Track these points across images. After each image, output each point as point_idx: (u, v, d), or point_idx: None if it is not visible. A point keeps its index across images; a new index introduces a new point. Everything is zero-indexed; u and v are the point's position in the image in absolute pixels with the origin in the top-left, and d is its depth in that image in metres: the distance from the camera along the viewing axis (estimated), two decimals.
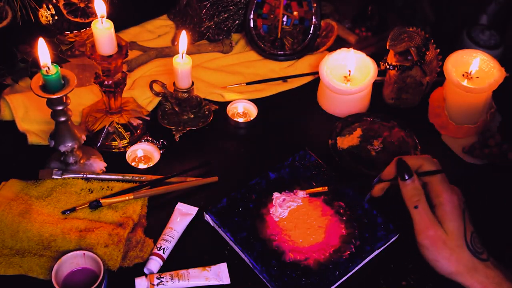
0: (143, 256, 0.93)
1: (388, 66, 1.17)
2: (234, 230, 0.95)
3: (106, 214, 0.96)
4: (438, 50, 1.18)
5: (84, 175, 1.02)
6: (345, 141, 1.11)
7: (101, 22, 0.96)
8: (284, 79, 1.27)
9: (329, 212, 0.99)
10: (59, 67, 0.90)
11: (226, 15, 1.31)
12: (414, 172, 0.81)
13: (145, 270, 0.91)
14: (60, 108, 0.94)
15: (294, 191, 1.00)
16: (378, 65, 1.18)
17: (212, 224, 0.98)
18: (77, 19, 1.14)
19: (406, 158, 0.83)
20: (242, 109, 1.19)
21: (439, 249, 0.78)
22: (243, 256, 0.94)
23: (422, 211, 0.79)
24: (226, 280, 0.91)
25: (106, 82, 1.04)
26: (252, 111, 1.18)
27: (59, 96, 0.91)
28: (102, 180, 1.03)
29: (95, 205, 0.96)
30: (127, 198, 0.98)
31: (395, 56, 1.18)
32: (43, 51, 0.88)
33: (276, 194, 1.01)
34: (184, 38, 1.06)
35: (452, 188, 0.82)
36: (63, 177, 1.01)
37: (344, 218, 0.98)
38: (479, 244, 0.80)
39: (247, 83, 1.24)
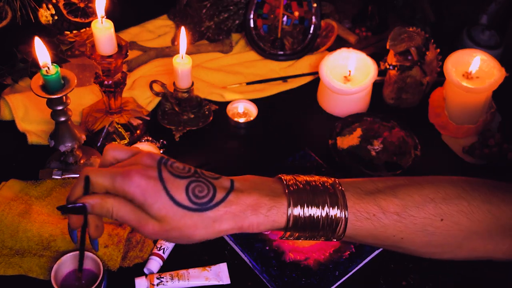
0: (143, 256, 0.93)
1: (388, 66, 1.17)
2: None
3: None
4: (438, 50, 1.18)
5: None
6: (345, 141, 1.11)
7: (101, 22, 0.96)
8: (284, 79, 1.27)
9: None
10: (59, 67, 0.90)
11: (226, 15, 1.31)
12: (82, 198, 0.66)
13: (145, 270, 0.91)
14: (60, 108, 0.94)
15: None
16: (378, 65, 1.18)
17: None
18: (77, 19, 1.14)
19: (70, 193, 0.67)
20: (242, 109, 1.19)
21: (170, 237, 0.65)
22: (243, 256, 0.94)
23: (125, 217, 0.65)
24: (226, 280, 0.91)
25: (106, 82, 1.04)
26: (252, 111, 1.18)
27: (59, 96, 0.91)
28: None
29: None
30: None
31: (395, 56, 1.18)
32: (40, 50, 0.88)
33: None
34: (183, 35, 1.06)
35: (125, 175, 0.64)
36: (63, 177, 1.01)
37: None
38: (202, 192, 0.65)
39: (247, 83, 1.24)
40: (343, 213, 0.67)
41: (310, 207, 0.67)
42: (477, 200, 0.69)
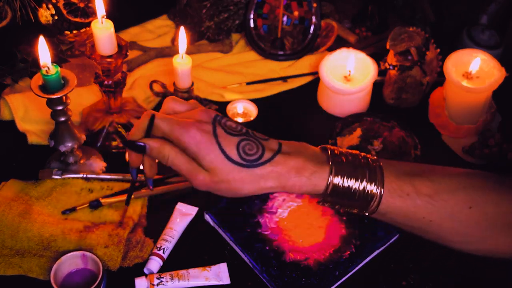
0: (143, 256, 0.93)
1: (388, 66, 1.17)
2: (234, 230, 0.95)
3: (106, 213, 0.96)
4: (438, 50, 1.18)
5: (84, 175, 1.02)
6: (345, 141, 1.11)
7: (101, 22, 0.96)
8: (284, 79, 1.27)
9: (329, 212, 0.99)
10: (59, 67, 0.90)
11: (226, 15, 1.31)
12: (144, 139, 0.72)
13: (145, 270, 0.91)
14: (60, 108, 0.94)
15: None
16: (378, 65, 1.18)
17: (212, 224, 0.98)
18: (77, 19, 1.14)
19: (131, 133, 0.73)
20: (242, 109, 1.19)
21: (218, 189, 0.72)
22: (243, 256, 0.94)
23: (179, 165, 0.71)
24: (226, 280, 0.91)
25: (106, 82, 1.04)
26: (252, 111, 1.18)
27: (59, 96, 0.91)
28: (102, 180, 1.03)
29: (95, 204, 0.97)
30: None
31: (395, 56, 1.18)
32: (43, 50, 0.88)
33: (276, 194, 1.01)
34: (183, 34, 1.06)
35: (184, 125, 0.70)
36: (63, 177, 1.01)
37: (344, 218, 0.98)
38: (252, 150, 0.71)
39: (247, 83, 1.24)
40: (379, 189, 0.71)
41: (349, 179, 0.71)
42: (506, 194, 0.72)
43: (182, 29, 1.07)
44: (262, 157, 0.71)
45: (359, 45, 1.34)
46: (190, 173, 0.71)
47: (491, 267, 0.96)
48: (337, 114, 1.20)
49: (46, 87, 0.90)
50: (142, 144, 0.71)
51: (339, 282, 0.91)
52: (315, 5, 1.29)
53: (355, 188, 0.72)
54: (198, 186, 0.72)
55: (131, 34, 1.35)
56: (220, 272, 0.92)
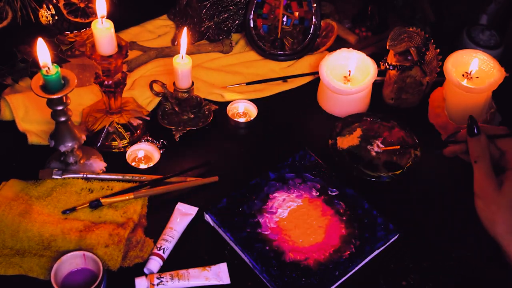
0: (143, 256, 0.93)
1: (388, 66, 1.17)
2: (234, 230, 0.95)
3: (106, 213, 0.96)
4: (438, 50, 1.18)
5: (84, 175, 1.02)
6: (345, 141, 1.11)
7: (101, 22, 0.96)
8: (284, 79, 1.27)
9: (329, 212, 0.99)
10: (59, 67, 0.90)
11: (226, 15, 1.31)
12: (482, 133, 0.83)
13: (145, 270, 0.91)
14: (60, 108, 0.94)
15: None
16: (378, 65, 1.18)
17: (212, 224, 0.98)
18: (77, 19, 1.14)
19: (482, 125, 0.86)
20: (242, 109, 1.19)
21: (488, 201, 0.80)
22: (243, 256, 0.94)
23: (481, 166, 0.81)
24: (226, 280, 0.91)
25: (106, 82, 1.04)
26: (252, 111, 1.18)
27: (59, 96, 0.91)
28: (102, 180, 1.03)
29: (95, 204, 0.97)
30: (127, 197, 0.98)
31: (395, 56, 1.18)
32: (42, 51, 0.88)
33: (276, 194, 1.01)
34: (185, 36, 1.06)
35: None
36: (63, 177, 1.01)
37: (344, 218, 0.98)
38: None
39: (247, 83, 1.25)
40: None
41: None
42: None
43: (185, 30, 1.07)
44: None
45: (359, 45, 1.34)
46: (486, 174, 0.80)
47: (491, 267, 0.96)
48: (337, 114, 1.20)
49: (46, 87, 0.90)
50: (477, 131, 0.82)
51: (339, 282, 0.91)
52: (315, 5, 1.29)
53: None
54: (479, 185, 0.80)
55: (131, 34, 1.35)
56: (220, 272, 0.92)
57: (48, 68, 0.89)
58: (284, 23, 1.32)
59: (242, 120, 1.17)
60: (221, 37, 1.33)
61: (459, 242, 0.99)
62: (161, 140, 1.12)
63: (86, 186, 1.01)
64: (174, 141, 1.12)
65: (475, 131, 0.83)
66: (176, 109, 1.14)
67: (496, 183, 0.80)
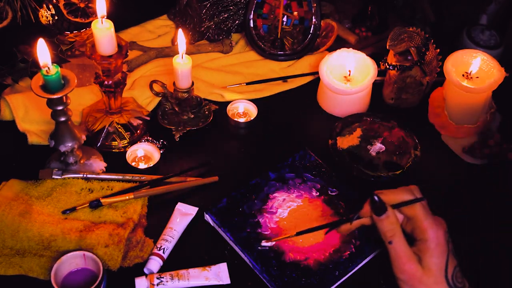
0: (143, 256, 0.93)
1: (388, 66, 1.17)
2: (234, 230, 0.95)
3: (106, 213, 0.96)
4: (438, 50, 1.18)
5: (84, 175, 1.02)
6: (345, 141, 1.11)
7: (101, 22, 0.96)
8: (284, 79, 1.27)
9: (329, 212, 0.99)
10: (59, 67, 0.90)
11: (226, 15, 1.31)
12: (388, 207, 0.78)
13: (145, 270, 0.91)
14: (60, 108, 0.94)
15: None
16: (378, 65, 1.18)
17: (212, 224, 0.98)
18: (77, 19, 1.14)
19: (384, 194, 0.80)
20: (242, 109, 1.19)
21: (415, 284, 0.76)
22: (243, 256, 0.94)
23: (397, 246, 0.77)
24: (226, 280, 0.91)
25: (106, 82, 1.04)
26: (252, 111, 1.18)
27: (59, 96, 0.91)
28: (102, 180, 1.03)
29: (95, 204, 0.97)
30: (127, 197, 0.98)
31: (395, 56, 1.18)
32: (42, 51, 0.88)
33: (276, 194, 1.01)
34: (181, 37, 1.06)
35: (436, 222, 0.78)
36: (63, 177, 1.01)
37: (344, 218, 0.98)
38: (460, 279, 0.78)
39: (247, 83, 1.25)
40: None
41: None
42: None
43: (180, 31, 1.07)
44: None
45: (359, 45, 1.34)
46: (404, 256, 0.76)
47: (491, 267, 0.96)
48: (337, 114, 1.20)
49: (46, 87, 0.90)
50: (385, 206, 0.77)
51: (339, 282, 0.91)
52: (315, 5, 1.29)
53: None
54: (402, 270, 0.76)
55: (131, 34, 1.35)
56: (220, 272, 0.92)
57: (48, 68, 0.89)
58: (284, 23, 1.32)
59: (242, 120, 1.17)
60: (221, 37, 1.33)
61: (459, 242, 0.99)
62: (161, 140, 1.12)
63: (86, 186, 1.01)
64: (174, 141, 1.12)
65: (382, 209, 0.77)
66: (176, 109, 1.14)
67: (417, 261, 0.76)
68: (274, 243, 0.93)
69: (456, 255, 0.78)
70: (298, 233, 0.90)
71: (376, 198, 0.78)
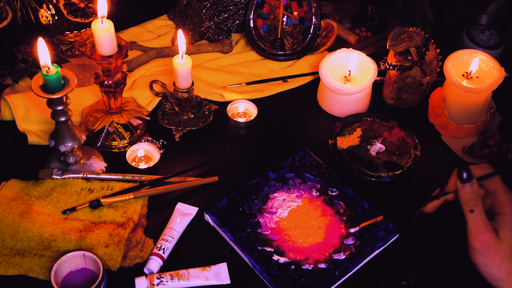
0: (143, 256, 0.93)
1: (388, 66, 1.17)
2: (234, 230, 0.95)
3: (106, 213, 0.96)
4: (438, 50, 1.18)
5: (84, 175, 1.02)
6: (345, 141, 1.11)
7: (101, 22, 0.96)
8: (284, 79, 1.27)
9: (329, 212, 0.99)
10: (59, 67, 0.90)
11: (226, 15, 1.31)
12: (474, 177, 0.80)
13: (145, 270, 0.91)
14: (60, 108, 0.94)
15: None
16: (378, 65, 1.18)
17: (212, 224, 0.98)
18: (77, 19, 1.14)
19: (469, 167, 0.83)
20: (242, 109, 1.19)
21: (490, 255, 0.77)
22: (243, 256, 0.94)
23: (478, 216, 0.78)
24: (226, 280, 0.91)
25: (106, 82, 1.04)
26: (252, 111, 1.19)
27: (59, 96, 0.91)
28: (102, 180, 1.03)
29: (95, 204, 0.97)
30: (127, 197, 0.98)
31: (395, 56, 1.18)
32: (43, 51, 0.88)
33: (276, 194, 1.01)
34: (181, 37, 1.06)
35: None
36: (63, 177, 1.01)
37: (344, 218, 0.98)
38: None
39: (247, 83, 1.25)
40: None
41: None
42: None
43: (180, 32, 1.07)
44: None
45: (359, 45, 1.34)
46: (484, 226, 0.77)
47: None
48: (337, 114, 1.20)
49: (46, 87, 0.90)
50: (467, 177, 0.79)
51: (339, 282, 0.91)
52: (315, 5, 1.29)
53: None
54: (479, 240, 0.77)
55: (131, 34, 1.35)
56: (220, 272, 0.92)
57: (48, 68, 0.89)
58: (284, 23, 1.32)
59: (242, 120, 1.17)
60: (221, 37, 1.33)
61: (459, 242, 0.99)
62: (161, 140, 1.12)
63: (86, 186, 1.01)
64: (174, 141, 1.12)
65: (466, 176, 0.79)
66: (176, 109, 1.14)
67: (493, 232, 0.77)
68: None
69: None
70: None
71: (462, 167, 0.80)
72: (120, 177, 1.03)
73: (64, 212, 0.96)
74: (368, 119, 1.15)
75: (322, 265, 0.92)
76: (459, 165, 0.81)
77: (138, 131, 1.12)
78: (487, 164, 0.83)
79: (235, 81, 1.25)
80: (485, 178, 0.81)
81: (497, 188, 0.80)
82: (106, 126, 1.10)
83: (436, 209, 0.87)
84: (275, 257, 0.92)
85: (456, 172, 0.81)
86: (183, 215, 0.98)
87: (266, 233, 0.96)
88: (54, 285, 0.83)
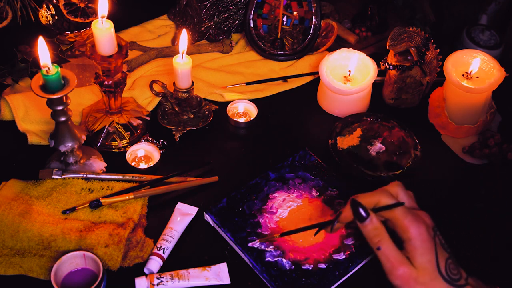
0: (143, 256, 0.93)
1: (388, 66, 1.17)
2: (234, 230, 0.95)
3: (106, 213, 0.96)
4: (438, 50, 1.18)
5: (84, 175, 1.02)
6: (345, 141, 1.11)
7: (101, 22, 0.96)
8: (284, 79, 1.27)
9: (329, 212, 0.99)
10: (59, 67, 0.90)
11: (226, 15, 1.31)
12: (370, 211, 0.76)
13: (145, 270, 0.91)
14: (60, 108, 0.94)
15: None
16: (378, 65, 1.18)
17: (212, 224, 0.98)
18: (77, 19, 1.14)
19: (361, 197, 0.78)
20: (242, 109, 1.19)
21: (413, 287, 0.75)
22: (243, 256, 0.94)
23: (386, 251, 0.75)
24: (226, 280, 0.91)
25: (106, 82, 1.04)
26: (252, 111, 1.19)
27: (59, 96, 0.91)
28: (102, 180, 1.03)
29: (95, 204, 0.97)
30: (127, 197, 0.98)
31: (395, 56, 1.18)
32: (43, 50, 0.88)
33: (276, 194, 1.01)
34: (184, 37, 1.06)
35: (417, 219, 0.76)
36: (63, 177, 1.01)
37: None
38: (455, 270, 0.76)
39: (247, 83, 1.25)
40: None
41: None
42: None
43: (184, 32, 1.07)
44: (459, 280, 0.76)
45: (359, 45, 1.34)
46: (395, 261, 0.74)
47: (491, 266, 0.96)
48: (337, 114, 1.20)
49: (46, 87, 0.90)
50: (365, 214, 0.75)
51: (339, 282, 0.91)
52: (315, 5, 1.29)
53: None
54: (396, 276, 0.75)
55: (131, 34, 1.35)
56: (220, 272, 0.92)
57: (48, 68, 0.89)
58: (284, 23, 1.32)
59: (242, 120, 1.17)
60: (221, 37, 1.33)
61: (459, 242, 0.99)
62: (161, 140, 1.12)
63: (86, 186, 1.01)
64: (174, 141, 1.12)
65: (363, 214, 0.75)
66: (176, 109, 1.14)
67: (408, 262, 0.74)
68: (260, 243, 0.93)
69: (446, 248, 0.77)
70: (282, 234, 0.90)
71: (356, 204, 0.76)
72: (120, 177, 1.03)
73: (64, 212, 0.96)
74: (368, 119, 1.15)
75: (322, 265, 0.92)
76: (352, 200, 0.76)
77: (138, 131, 1.12)
78: (397, 182, 0.80)
79: (235, 81, 1.25)
80: (382, 210, 0.77)
81: (394, 214, 0.76)
82: (106, 126, 1.10)
83: (333, 231, 0.83)
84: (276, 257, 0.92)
85: (351, 207, 0.76)
86: (183, 215, 0.98)
87: (266, 233, 0.96)
88: (54, 285, 0.83)
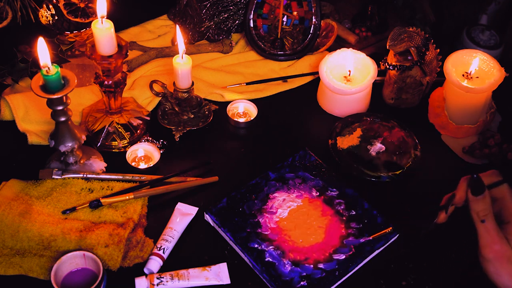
0: (143, 256, 0.93)
1: (388, 66, 1.17)
2: (234, 230, 0.95)
3: (106, 213, 0.96)
4: (438, 50, 1.18)
5: (84, 175, 1.02)
6: (345, 141, 1.11)
7: (101, 22, 0.96)
8: (284, 79, 1.27)
9: (329, 212, 0.99)
10: (59, 67, 0.90)
11: (226, 15, 1.31)
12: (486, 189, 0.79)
13: (145, 270, 0.91)
14: (60, 108, 0.94)
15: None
16: (378, 65, 1.18)
17: (212, 224, 0.98)
18: (77, 19, 1.14)
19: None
20: (242, 109, 1.19)
21: (503, 264, 0.76)
22: (243, 256, 0.94)
23: (489, 225, 0.77)
24: (226, 280, 0.91)
25: (106, 82, 1.04)
26: (252, 111, 1.19)
27: (59, 96, 0.91)
28: (102, 180, 1.03)
29: (95, 204, 0.97)
30: (127, 197, 0.98)
31: (395, 56, 1.18)
32: (43, 51, 0.88)
33: (276, 194, 1.01)
34: (180, 34, 1.06)
35: None
36: (63, 177, 1.01)
37: (344, 218, 0.98)
38: None
39: (247, 83, 1.25)
40: None
41: None
42: None
43: (178, 28, 1.07)
44: None
45: (359, 45, 1.34)
46: (496, 236, 0.75)
47: None
48: (337, 114, 1.20)
49: (46, 87, 0.90)
50: (484, 187, 0.77)
51: (339, 282, 0.91)
52: (315, 5, 1.29)
53: None
54: (491, 250, 0.75)
55: (131, 34, 1.35)
56: (220, 272, 0.92)
57: (48, 68, 0.89)
58: (284, 23, 1.32)
59: (242, 120, 1.17)
60: (221, 37, 1.33)
61: (459, 242, 0.99)
62: (161, 140, 1.12)
63: (86, 186, 1.01)
64: (174, 141, 1.12)
65: (481, 189, 0.77)
66: (176, 109, 1.14)
67: (506, 241, 0.76)
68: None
69: None
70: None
71: (479, 179, 0.78)
72: (120, 177, 1.03)
73: (64, 212, 0.96)
74: (368, 119, 1.15)
75: (322, 265, 0.92)
76: (470, 175, 0.79)
77: (138, 131, 1.12)
78: (494, 170, 0.82)
79: (235, 81, 1.25)
80: (493, 187, 0.79)
81: (504, 195, 0.78)
82: (106, 126, 1.10)
83: (447, 218, 0.85)
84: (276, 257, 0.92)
85: (467, 183, 0.79)
86: (183, 215, 0.98)
87: (266, 233, 0.96)
88: (54, 285, 0.83)
